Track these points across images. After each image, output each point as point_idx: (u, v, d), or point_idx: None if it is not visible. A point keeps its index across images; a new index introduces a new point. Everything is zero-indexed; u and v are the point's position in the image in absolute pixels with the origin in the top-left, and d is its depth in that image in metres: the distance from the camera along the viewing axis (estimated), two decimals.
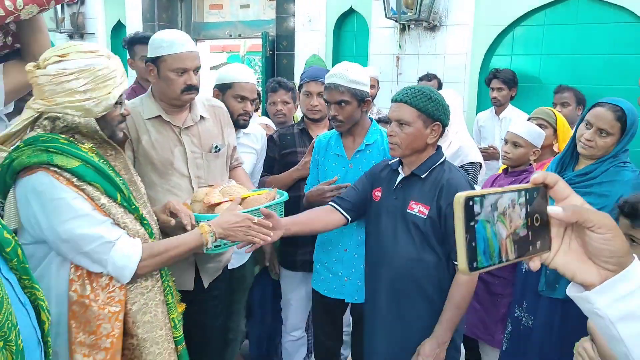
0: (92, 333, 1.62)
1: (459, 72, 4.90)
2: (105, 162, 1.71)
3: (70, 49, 1.63)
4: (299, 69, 5.83)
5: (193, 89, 2.15)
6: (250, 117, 2.67)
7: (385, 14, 4.92)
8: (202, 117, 2.28)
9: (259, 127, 3.00)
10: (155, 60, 2.13)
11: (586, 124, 2.28)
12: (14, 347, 1.06)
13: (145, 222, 1.77)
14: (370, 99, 2.46)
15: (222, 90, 2.61)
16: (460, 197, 0.67)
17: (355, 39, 5.74)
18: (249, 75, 2.63)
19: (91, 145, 1.69)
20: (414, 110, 2.02)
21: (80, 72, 1.60)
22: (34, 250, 1.63)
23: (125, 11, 7.23)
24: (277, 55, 6.29)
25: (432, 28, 4.97)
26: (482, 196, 0.68)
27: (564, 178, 2.25)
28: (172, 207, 1.94)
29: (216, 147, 2.30)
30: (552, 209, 0.73)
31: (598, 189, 2.23)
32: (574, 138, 2.36)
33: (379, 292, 2.17)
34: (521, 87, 4.61)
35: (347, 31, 5.84)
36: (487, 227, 0.69)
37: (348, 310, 2.68)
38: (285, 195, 2.22)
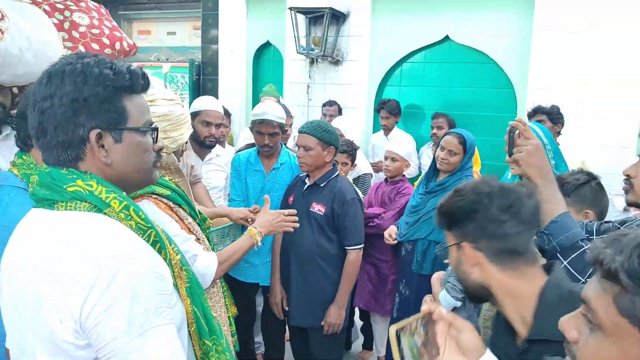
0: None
1: (358, 100, 5.87)
2: (180, 189, 1.97)
3: (157, 95, 1.89)
4: (222, 93, 6.60)
5: None
6: (215, 139, 3.15)
7: (297, 50, 5.82)
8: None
9: (230, 149, 3.62)
10: None
11: (441, 148, 3.22)
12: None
13: (206, 234, 2.07)
14: (287, 129, 3.30)
15: (192, 117, 3.07)
16: (392, 331, 1.11)
17: (272, 69, 6.60)
18: (213, 104, 3.14)
19: (170, 177, 1.98)
20: (315, 139, 2.87)
21: (164, 117, 1.87)
22: None
23: None
24: (202, 79, 7.03)
25: (336, 62, 5.91)
26: (403, 327, 1.13)
27: (428, 187, 3.24)
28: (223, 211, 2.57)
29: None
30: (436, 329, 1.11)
31: None
32: (434, 158, 3.28)
33: (290, 268, 2.98)
34: (407, 112, 5.66)
35: (265, 61, 6.69)
36: (409, 342, 1.13)
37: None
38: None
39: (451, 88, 5.65)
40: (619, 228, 1.85)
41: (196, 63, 6.97)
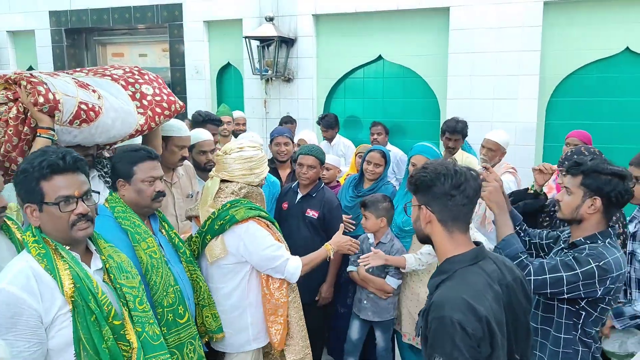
0: (273, 313, 2.68)
1: (308, 113, 6.78)
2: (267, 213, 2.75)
3: (245, 144, 2.64)
4: (190, 109, 7.42)
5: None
6: (213, 163, 3.45)
7: (252, 72, 6.71)
8: (182, 174, 3.40)
9: None
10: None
11: (367, 162, 4.10)
12: (172, 296, 2.22)
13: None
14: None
15: (189, 150, 3.47)
16: None
17: (233, 86, 7.47)
18: (205, 135, 3.65)
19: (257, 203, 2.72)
20: (317, 160, 3.65)
21: (250, 159, 2.59)
22: (234, 267, 2.64)
23: (36, 57, 8.41)
24: None
25: (288, 80, 6.82)
26: None
27: (360, 192, 4.12)
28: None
29: (190, 194, 3.42)
30: None
31: None
32: (362, 169, 4.17)
33: None
34: (350, 120, 6.63)
35: (227, 79, 7.57)
36: None
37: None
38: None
39: (385, 99, 6.63)
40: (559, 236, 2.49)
41: (167, 83, 7.78)
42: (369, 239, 3.53)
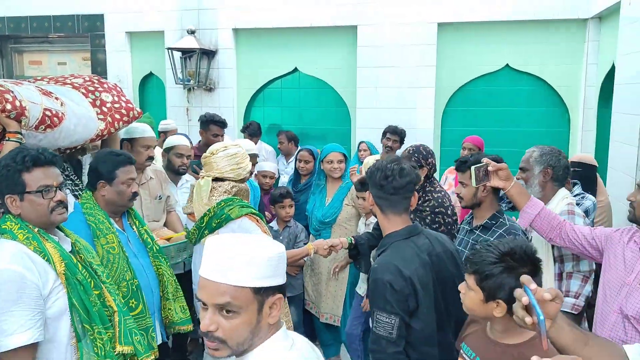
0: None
1: (230, 121, 7.07)
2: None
3: (228, 144, 2.92)
4: None
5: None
6: (186, 167, 3.97)
7: (175, 81, 7.04)
8: (151, 177, 3.61)
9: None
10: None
11: (299, 160, 4.59)
12: (125, 290, 2.40)
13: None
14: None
15: (167, 151, 3.90)
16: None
17: (155, 95, 7.74)
18: (183, 141, 3.98)
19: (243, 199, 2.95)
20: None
21: (235, 155, 2.83)
22: None
23: None
24: None
25: (210, 89, 7.20)
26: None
27: (298, 187, 4.59)
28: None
29: (159, 196, 3.61)
30: None
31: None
32: (296, 169, 4.66)
33: None
34: (270, 127, 7.11)
35: (149, 89, 7.83)
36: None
37: None
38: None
39: (302, 108, 7.19)
40: None
41: None
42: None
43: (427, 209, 3.27)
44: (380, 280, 2.00)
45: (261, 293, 1.25)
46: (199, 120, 4.88)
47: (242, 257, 1.24)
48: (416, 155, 3.34)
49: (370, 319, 2.61)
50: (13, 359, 1.80)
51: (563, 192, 2.83)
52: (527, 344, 1.63)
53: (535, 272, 1.61)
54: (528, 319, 1.16)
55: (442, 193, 3.36)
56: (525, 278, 1.24)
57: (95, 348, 1.99)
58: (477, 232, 2.64)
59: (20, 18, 7.86)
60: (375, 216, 2.30)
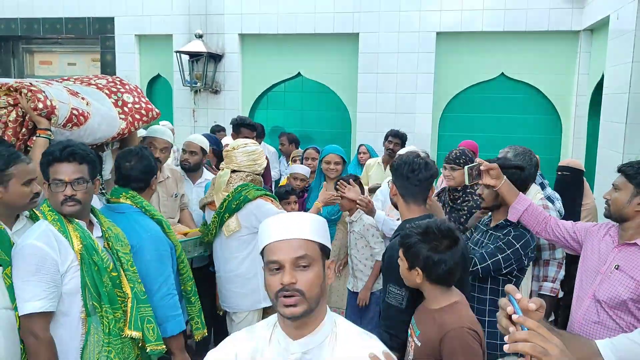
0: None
1: None
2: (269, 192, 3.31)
3: (248, 142, 3.24)
4: None
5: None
6: (189, 164, 3.99)
7: (183, 83, 7.29)
8: (168, 176, 3.76)
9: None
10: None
11: (305, 158, 4.83)
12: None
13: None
14: None
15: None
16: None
17: (163, 97, 7.97)
18: (195, 138, 4.09)
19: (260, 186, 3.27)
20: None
21: (252, 152, 3.16)
22: (247, 238, 3.13)
23: None
24: None
25: (215, 92, 7.46)
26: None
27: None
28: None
29: (175, 194, 3.74)
30: None
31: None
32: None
33: None
34: (274, 129, 7.35)
35: (157, 90, 8.07)
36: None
37: None
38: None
39: (304, 111, 7.45)
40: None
41: None
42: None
43: (465, 208, 3.47)
44: (395, 257, 2.18)
45: (323, 251, 1.45)
46: (231, 123, 5.31)
47: (304, 218, 1.46)
48: (463, 157, 3.57)
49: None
50: (29, 322, 2.05)
51: (535, 187, 3.08)
52: (446, 307, 1.94)
53: (453, 244, 1.95)
54: (512, 329, 1.14)
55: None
56: (510, 287, 1.21)
57: (102, 325, 2.18)
58: (491, 231, 2.72)
59: (33, 19, 8.11)
60: (394, 205, 2.52)
